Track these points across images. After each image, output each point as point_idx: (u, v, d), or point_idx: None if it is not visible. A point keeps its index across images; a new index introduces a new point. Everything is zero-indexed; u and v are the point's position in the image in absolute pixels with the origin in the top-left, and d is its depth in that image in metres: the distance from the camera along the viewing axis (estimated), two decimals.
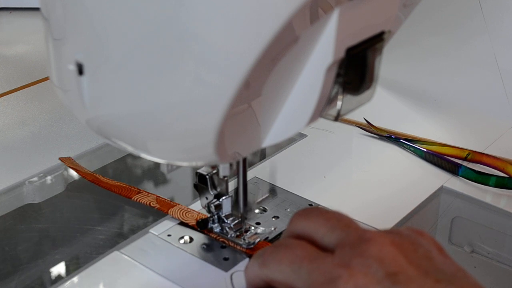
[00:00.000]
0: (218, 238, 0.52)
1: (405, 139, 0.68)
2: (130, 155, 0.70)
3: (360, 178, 0.64)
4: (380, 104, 0.70)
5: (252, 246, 0.51)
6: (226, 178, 0.50)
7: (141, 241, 0.52)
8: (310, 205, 0.57)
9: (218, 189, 0.51)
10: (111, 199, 0.61)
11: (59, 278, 0.55)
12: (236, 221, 0.51)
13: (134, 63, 0.36)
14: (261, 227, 0.53)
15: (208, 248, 0.51)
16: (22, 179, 0.61)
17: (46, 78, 0.79)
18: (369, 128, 0.71)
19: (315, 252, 0.36)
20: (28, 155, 0.65)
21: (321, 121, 0.40)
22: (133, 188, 0.58)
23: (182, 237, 0.52)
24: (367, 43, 0.38)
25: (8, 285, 0.53)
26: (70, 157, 0.64)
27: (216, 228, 0.52)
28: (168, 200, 0.56)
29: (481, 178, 0.62)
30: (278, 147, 0.68)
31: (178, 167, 0.69)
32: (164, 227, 0.53)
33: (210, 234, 0.52)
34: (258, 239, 0.51)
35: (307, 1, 0.31)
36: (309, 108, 0.38)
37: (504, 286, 0.62)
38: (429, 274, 0.34)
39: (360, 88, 0.38)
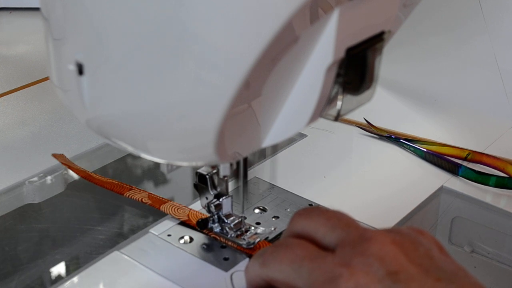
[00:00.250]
0: (218, 238, 0.52)
1: (405, 139, 0.68)
2: (130, 155, 0.70)
3: (360, 178, 0.64)
4: (380, 104, 0.70)
5: (252, 246, 0.51)
6: (226, 178, 0.50)
7: (141, 241, 0.52)
8: (310, 205, 0.57)
9: (218, 189, 0.51)
10: (111, 199, 0.61)
11: (59, 278, 0.55)
12: (236, 221, 0.51)
13: (134, 63, 0.36)
14: (261, 227, 0.53)
15: (208, 248, 0.51)
16: (22, 179, 0.61)
17: (46, 78, 0.79)
18: (369, 128, 0.71)
19: (315, 252, 0.36)
20: (28, 155, 0.65)
21: (321, 121, 0.40)
22: (125, 185, 0.58)
23: (182, 237, 0.52)
24: (367, 43, 0.38)
25: (8, 285, 0.53)
26: (63, 154, 0.64)
27: (216, 228, 0.52)
28: (160, 197, 0.56)
29: (481, 178, 0.62)
30: (278, 147, 0.68)
31: (178, 167, 0.69)
32: (164, 227, 0.53)
33: (210, 234, 0.52)
34: (258, 239, 0.51)
35: (307, 1, 0.31)
36: (309, 108, 0.38)
37: (504, 286, 0.62)
38: (430, 273, 0.34)
39: (360, 88, 0.38)
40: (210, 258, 0.50)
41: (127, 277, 0.48)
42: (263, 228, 0.53)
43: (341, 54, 0.36)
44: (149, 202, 0.56)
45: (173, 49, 0.34)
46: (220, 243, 0.51)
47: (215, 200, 0.51)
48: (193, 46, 0.33)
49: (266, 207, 0.57)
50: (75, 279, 0.49)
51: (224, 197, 0.51)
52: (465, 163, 0.64)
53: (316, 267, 0.35)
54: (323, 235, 0.37)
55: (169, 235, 0.52)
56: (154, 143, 0.41)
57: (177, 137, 0.39)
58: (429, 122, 0.74)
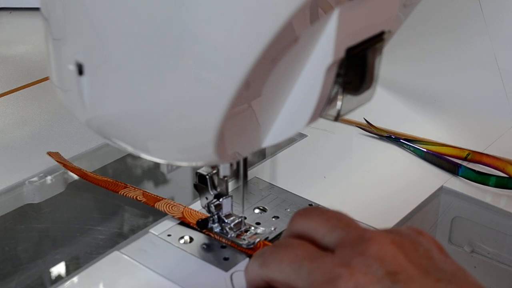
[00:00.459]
0: (219, 238, 0.52)
1: (405, 139, 0.68)
2: (130, 155, 0.70)
3: (360, 178, 0.64)
4: (380, 104, 0.70)
5: (252, 246, 0.51)
6: (226, 178, 0.50)
7: (141, 241, 0.52)
8: (310, 205, 0.57)
9: (218, 189, 0.51)
10: (111, 199, 0.61)
11: (59, 278, 0.55)
12: (236, 221, 0.51)
13: (134, 63, 0.36)
14: (261, 227, 0.53)
15: (208, 248, 0.51)
16: (22, 179, 0.61)
17: (46, 78, 0.79)
18: (369, 128, 0.71)
19: (315, 252, 0.36)
20: (28, 155, 0.65)
21: (321, 121, 0.40)
22: (119, 183, 0.58)
23: (182, 237, 0.52)
24: (367, 43, 0.38)
25: (8, 285, 0.53)
26: (58, 152, 0.64)
27: (216, 228, 0.52)
28: (154, 195, 0.56)
29: (481, 178, 0.62)
30: (278, 147, 0.68)
31: (178, 167, 0.69)
32: (164, 227, 0.53)
33: (210, 234, 0.52)
34: (258, 239, 0.51)
35: (307, 1, 0.31)
36: (309, 108, 0.38)
37: (504, 286, 0.62)
38: (429, 273, 0.34)
39: (360, 88, 0.38)
40: (210, 258, 0.50)
41: (127, 277, 0.48)
42: (263, 228, 0.53)
43: (341, 54, 0.36)
44: (144, 200, 0.56)
45: (173, 49, 0.34)
46: (220, 243, 0.52)
47: (215, 200, 0.51)
48: (193, 46, 0.33)
49: (266, 207, 0.57)
50: (75, 279, 0.49)
51: (224, 197, 0.51)
52: (465, 163, 0.64)
53: (315, 267, 0.35)
54: (323, 235, 0.37)
55: (169, 235, 0.52)
56: (154, 143, 0.41)
57: (177, 137, 0.39)
58: (429, 122, 0.74)
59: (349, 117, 0.65)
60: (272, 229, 0.53)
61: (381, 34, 0.39)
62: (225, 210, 0.51)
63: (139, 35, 0.35)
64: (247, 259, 0.50)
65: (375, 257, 0.34)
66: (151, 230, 0.53)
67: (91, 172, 0.62)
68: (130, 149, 0.42)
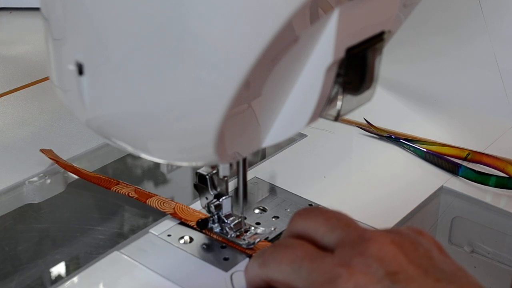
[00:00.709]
0: (218, 238, 0.52)
1: (405, 139, 0.68)
2: (130, 155, 0.70)
3: (360, 178, 0.64)
4: (380, 104, 0.70)
5: (252, 246, 0.51)
6: (226, 178, 0.50)
7: (141, 241, 0.52)
8: (310, 205, 0.57)
9: (218, 189, 0.51)
10: (111, 199, 0.61)
11: (59, 278, 0.55)
12: (236, 221, 0.51)
13: (134, 63, 0.36)
14: (261, 227, 0.53)
15: (208, 248, 0.51)
16: (22, 179, 0.61)
17: (46, 78, 0.79)
18: (369, 128, 0.71)
19: (315, 252, 0.36)
20: (28, 155, 0.65)
21: (321, 121, 0.41)
22: (111, 180, 0.58)
23: (182, 237, 0.52)
24: (367, 43, 0.38)
25: (8, 285, 0.53)
26: (51, 149, 0.64)
27: (216, 228, 0.52)
28: (146, 191, 0.56)
29: (481, 178, 0.62)
30: (278, 147, 0.68)
31: (178, 167, 0.69)
32: (164, 227, 0.53)
33: (210, 234, 0.52)
34: (258, 239, 0.51)
35: (307, 1, 0.31)
36: (309, 108, 0.38)
37: (504, 286, 0.62)
38: (429, 273, 0.34)
39: (360, 88, 0.38)
40: (210, 258, 0.50)
41: (127, 277, 0.48)
42: (263, 228, 0.53)
43: (341, 54, 0.36)
44: (136, 196, 0.56)
45: (173, 49, 0.34)
46: (220, 243, 0.51)
47: (215, 200, 0.51)
48: (193, 46, 0.33)
49: (266, 207, 0.57)
50: (75, 279, 0.49)
51: (224, 197, 0.51)
52: (465, 163, 0.64)
53: (315, 268, 0.35)
54: (323, 235, 0.37)
55: (169, 235, 0.52)
56: (154, 143, 0.41)
57: (177, 137, 0.39)
58: (429, 122, 0.74)
59: (349, 117, 0.65)
60: (272, 229, 0.53)
61: (381, 34, 0.39)
62: (225, 210, 0.51)
63: (139, 35, 0.35)
64: (247, 259, 0.50)
65: (375, 257, 0.34)
66: (151, 230, 0.53)
67: (83, 169, 0.62)
68: (130, 149, 0.42)
